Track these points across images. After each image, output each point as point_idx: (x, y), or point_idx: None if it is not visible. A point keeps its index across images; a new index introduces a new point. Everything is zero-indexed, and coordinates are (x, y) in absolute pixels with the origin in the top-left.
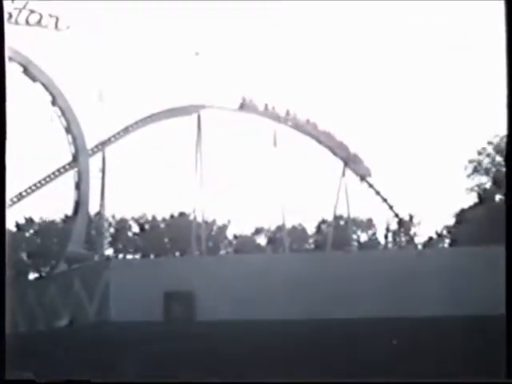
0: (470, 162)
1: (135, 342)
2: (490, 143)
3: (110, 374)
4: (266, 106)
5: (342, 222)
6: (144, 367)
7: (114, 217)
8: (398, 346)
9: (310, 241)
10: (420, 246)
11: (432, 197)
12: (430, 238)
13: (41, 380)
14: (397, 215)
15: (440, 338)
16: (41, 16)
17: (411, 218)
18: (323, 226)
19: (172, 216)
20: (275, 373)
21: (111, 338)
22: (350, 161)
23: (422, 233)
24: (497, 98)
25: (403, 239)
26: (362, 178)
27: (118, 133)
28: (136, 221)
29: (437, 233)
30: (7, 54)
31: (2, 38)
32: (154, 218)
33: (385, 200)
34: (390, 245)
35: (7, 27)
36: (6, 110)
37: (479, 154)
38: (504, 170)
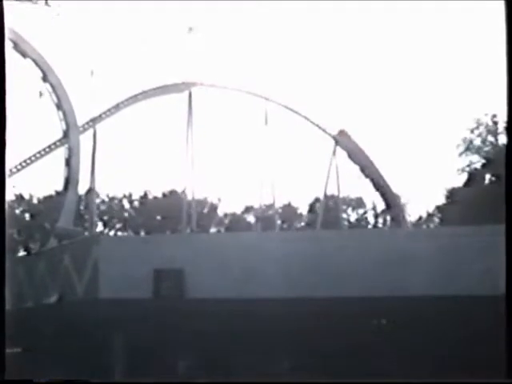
0: (462, 140)
1: (124, 320)
2: (480, 122)
3: (97, 351)
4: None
5: (332, 201)
6: (132, 345)
7: (107, 195)
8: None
9: (301, 219)
10: (409, 226)
11: (422, 176)
12: (420, 218)
13: (39, 380)
14: (386, 194)
15: (425, 316)
16: None
17: (399, 198)
18: (314, 205)
19: (163, 194)
20: (261, 353)
21: (99, 315)
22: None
23: (411, 212)
24: (487, 77)
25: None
26: (394, 219)
27: (109, 109)
28: (127, 198)
29: (428, 213)
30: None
31: (2, 37)
32: (145, 195)
33: (374, 180)
34: (380, 224)
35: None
36: (5, 110)
37: (471, 132)
38: (494, 149)
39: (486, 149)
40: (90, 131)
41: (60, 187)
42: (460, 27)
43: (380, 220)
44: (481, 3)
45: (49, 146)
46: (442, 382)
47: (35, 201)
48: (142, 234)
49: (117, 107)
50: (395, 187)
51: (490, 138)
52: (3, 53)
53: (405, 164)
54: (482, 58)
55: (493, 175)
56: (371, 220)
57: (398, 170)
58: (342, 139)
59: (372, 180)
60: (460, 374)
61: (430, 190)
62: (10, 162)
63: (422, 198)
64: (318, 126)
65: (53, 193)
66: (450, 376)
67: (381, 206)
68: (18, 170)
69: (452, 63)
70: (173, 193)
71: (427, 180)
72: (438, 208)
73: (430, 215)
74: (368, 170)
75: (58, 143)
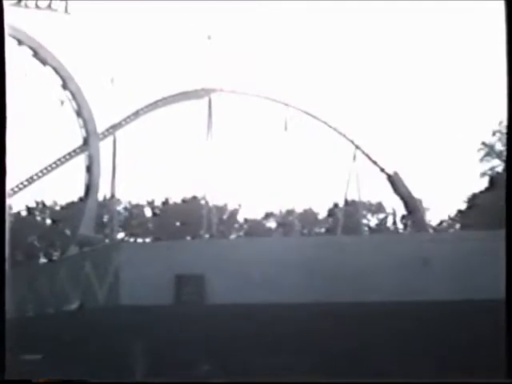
0: (483, 145)
1: (146, 326)
2: (501, 126)
3: (118, 358)
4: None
5: (352, 206)
6: (152, 352)
7: (128, 202)
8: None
9: (321, 225)
10: (430, 231)
11: (443, 181)
12: (441, 223)
13: (39, 380)
14: (406, 199)
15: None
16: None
17: (420, 202)
18: (334, 210)
19: (184, 200)
20: (278, 358)
21: (121, 322)
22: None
23: (432, 217)
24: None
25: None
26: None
27: (129, 116)
28: (148, 204)
29: (450, 217)
30: (18, 37)
31: (2, 37)
32: (165, 201)
33: (395, 184)
34: (400, 229)
35: (17, 11)
36: (6, 109)
37: (493, 135)
38: None
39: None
40: (110, 138)
41: (81, 194)
42: (478, 28)
43: (401, 225)
44: (481, 3)
45: (69, 153)
46: (442, 382)
47: (56, 208)
48: (163, 240)
49: (136, 114)
50: (416, 192)
51: None
52: (3, 53)
53: (426, 168)
54: (503, 59)
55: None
56: (392, 225)
57: (419, 175)
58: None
59: (393, 185)
60: (460, 374)
61: (451, 195)
62: (30, 170)
63: (443, 203)
64: (337, 131)
65: (74, 200)
66: (450, 376)
67: (402, 210)
68: (39, 177)
69: (472, 66)
70: (193, 199)
71: (448, 184)
72: (460, 212)
73: (451, 220)
74: (387, 174)
75: (78, 150)
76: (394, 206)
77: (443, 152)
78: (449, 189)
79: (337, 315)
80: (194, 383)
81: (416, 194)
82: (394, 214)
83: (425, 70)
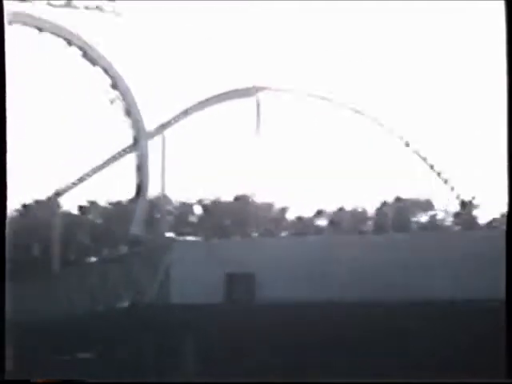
0: None
1: (196, 325)
2: None
3: (168, 357)
4: None
5: (401, 203)
6: (203, 350)
7: (177, 200)
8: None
9: (370, 222)
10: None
11: (496, 177)
12: (492, 220)
13: (37, 379)
14: (458, 197)
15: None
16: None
17: (472, 199)
18: (383, 208)
19: (234, 198)
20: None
21: (172, 320)
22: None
23: (484, 214)
24: None
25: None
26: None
27: (178, 115)
28: (198, 203)
29: (502, 215)
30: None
31: (2, 37)
32: (215, 200)
33: (446, 181)
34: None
35: (65, 12)
36: (6, 110)
37: None
38: None
39: None
40: (160, 137)
41: (131, 193)
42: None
43: (450, 222)
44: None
45: (119, 153)
46: (443, 382)
47: (107, 207)
48: (213, 239)
49: (185, 112)
50: (468, 188)
51: None
52: (3, 52)
53: (478, 165)
54: None
55: None
56: (442, 222)
57: (471, 171)
58: None
59: (443, 181)
60: (460, 374)
61: (503, 192)
62: (80, 169)
63: (495, 200)
64: (386, 127)
65: (123, 199)
66: (451, 376)
67: (452, 207)
68: (90, 176)
69: None
70: (243, 197)
71: (500, 181)
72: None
73: (502, 217)
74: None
75: (127, 149)
76: (445, 202)
77: (496, 148)
78: (501, 185)
79: (386, 314)
80: (190, 383)
81: (468, 190)
82: (446, 211)
83: (480, 70)
